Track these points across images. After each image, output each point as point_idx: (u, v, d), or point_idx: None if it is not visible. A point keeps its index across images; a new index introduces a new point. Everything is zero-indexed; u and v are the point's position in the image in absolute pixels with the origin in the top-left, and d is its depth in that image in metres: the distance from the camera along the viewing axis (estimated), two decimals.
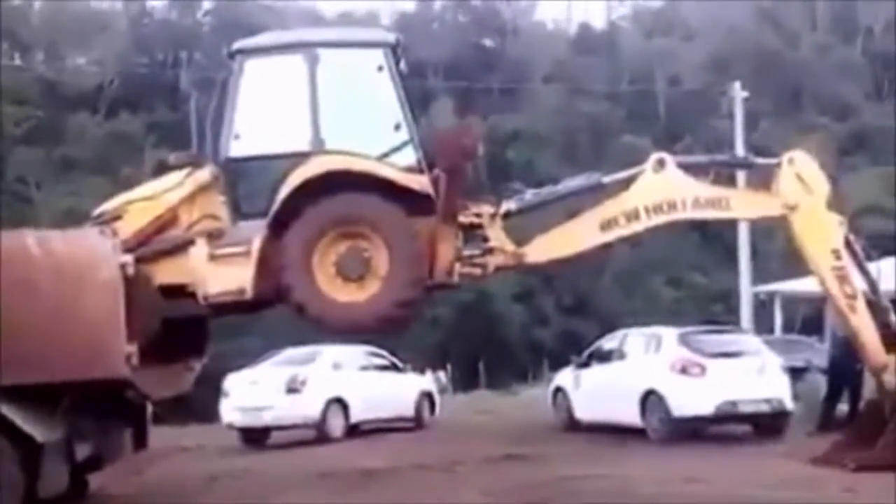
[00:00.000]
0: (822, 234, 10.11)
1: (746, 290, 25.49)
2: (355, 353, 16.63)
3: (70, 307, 8.16)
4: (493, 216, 9.66)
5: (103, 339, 8.16)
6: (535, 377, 32.60)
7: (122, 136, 48.10)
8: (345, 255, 8.68)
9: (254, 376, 15.85)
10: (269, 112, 9.01)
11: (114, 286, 8.27)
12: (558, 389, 16.16)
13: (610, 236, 9.89)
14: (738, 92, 26.23)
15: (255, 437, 15.71)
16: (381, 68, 8.98)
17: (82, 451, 8.80)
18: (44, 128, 45.29)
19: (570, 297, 44.23)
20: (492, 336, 41.20)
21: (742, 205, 10.50)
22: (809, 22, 66.82)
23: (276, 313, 11.06)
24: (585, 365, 15.62)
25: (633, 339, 14.96)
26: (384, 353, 17.56)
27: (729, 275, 31.32)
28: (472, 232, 9.58)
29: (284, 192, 8.65)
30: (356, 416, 15.88)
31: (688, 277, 46.78)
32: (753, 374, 13.55)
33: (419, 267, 8.80)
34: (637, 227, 9.87)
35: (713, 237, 41.84)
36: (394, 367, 17.52)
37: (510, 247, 9.69)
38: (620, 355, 14.85)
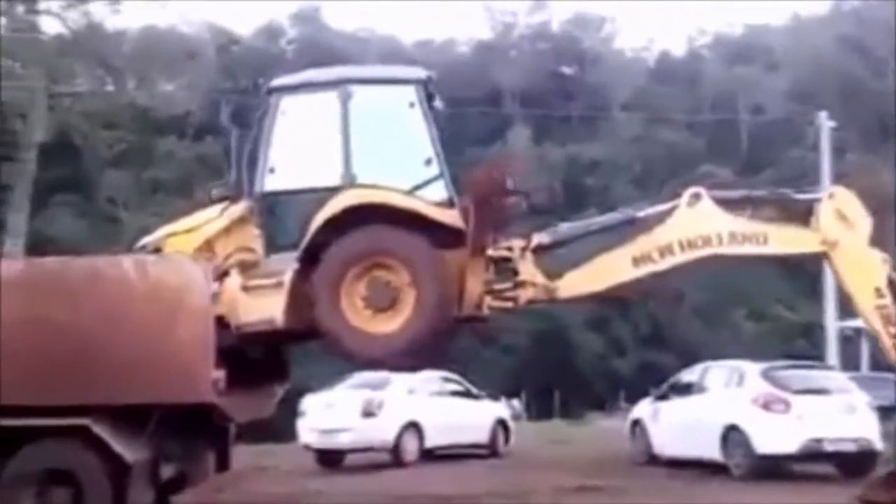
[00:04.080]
0: (863, 271, 9.74)
1: (832, 324, 24.80)
2: (429, 379, 16.65)
3: (162, 331, 8.36)
4: (523, 250, 9.64)
5: (193, 364, 8.32)
6: (610, 408, 32.23)
7: (206, 160, 49.34)
8: (373, 288, 8.78)
9: (330, 399, 16.02)
10: (303, 147, 9.21)
11: (205, 313, 8.45)
12: (636, 422, 15.95)
13: (643, 271, 9.68)
14: (825, 122, 25.63)
15: (330, 459, 15.87)
16: (412, 104, 9.14)
17: (167, 471, 8.99)
18: (134, 151, 46.71)
19: (648, 327, 43.62)
20: (567, 365, 40.86)
21: (780, 240, 10.22)
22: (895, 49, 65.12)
23: None
24: (664, 397, 15.39)
25: (714, 373, 14.70)
26: (459, 378, 17.58)
27: (813, 308, 30.52)
28: (503, 265, 9.59)
29: (315, 224, 8.83)
30: (431, 441, 15.91)
31: (770, 310, 45.71)
32: (840, 411, 13.22)
33: (447, 300, 8.83)
34: (671, 262, 9.66)
35: (797, 269, 40.82)
36: (468, 394, 17.52)
37: (541, 280, 9.64)
38: (701, 389, 14.61)
